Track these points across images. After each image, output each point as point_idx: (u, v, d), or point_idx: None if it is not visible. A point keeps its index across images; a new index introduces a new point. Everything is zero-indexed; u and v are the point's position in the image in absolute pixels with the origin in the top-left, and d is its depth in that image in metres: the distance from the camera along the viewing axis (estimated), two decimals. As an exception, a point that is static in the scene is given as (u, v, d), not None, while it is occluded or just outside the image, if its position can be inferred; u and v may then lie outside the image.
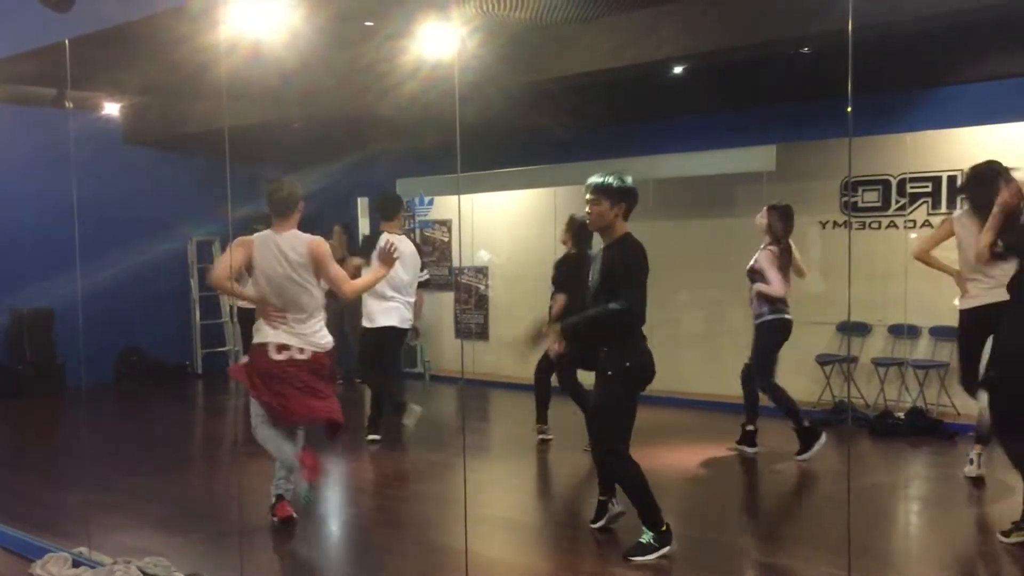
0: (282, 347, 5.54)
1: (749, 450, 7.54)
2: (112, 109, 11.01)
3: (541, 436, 8.05)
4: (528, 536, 5.82)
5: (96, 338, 9.75)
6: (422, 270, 8.23)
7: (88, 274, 9.15)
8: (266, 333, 5.57)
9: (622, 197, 5.20)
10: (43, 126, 10.18)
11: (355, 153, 12.17)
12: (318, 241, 5.64)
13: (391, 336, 7.99)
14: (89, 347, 7.85)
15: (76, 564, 4.94)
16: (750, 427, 7.60)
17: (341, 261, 10.48)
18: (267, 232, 5.66)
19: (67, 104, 8.61)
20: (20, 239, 11.00)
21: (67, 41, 5.75)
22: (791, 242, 7.42)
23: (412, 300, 8.06)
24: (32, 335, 11.17)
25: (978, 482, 6.36)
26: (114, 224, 11.28)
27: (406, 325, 8.03)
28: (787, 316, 7.35)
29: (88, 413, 9.15)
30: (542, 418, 8.07)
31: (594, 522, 5.56)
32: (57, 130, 8.30)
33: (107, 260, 10.62)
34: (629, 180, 5.28)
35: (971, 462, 6.45)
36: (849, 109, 3.60)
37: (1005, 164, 6.80)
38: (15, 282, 10.93)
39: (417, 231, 12.59)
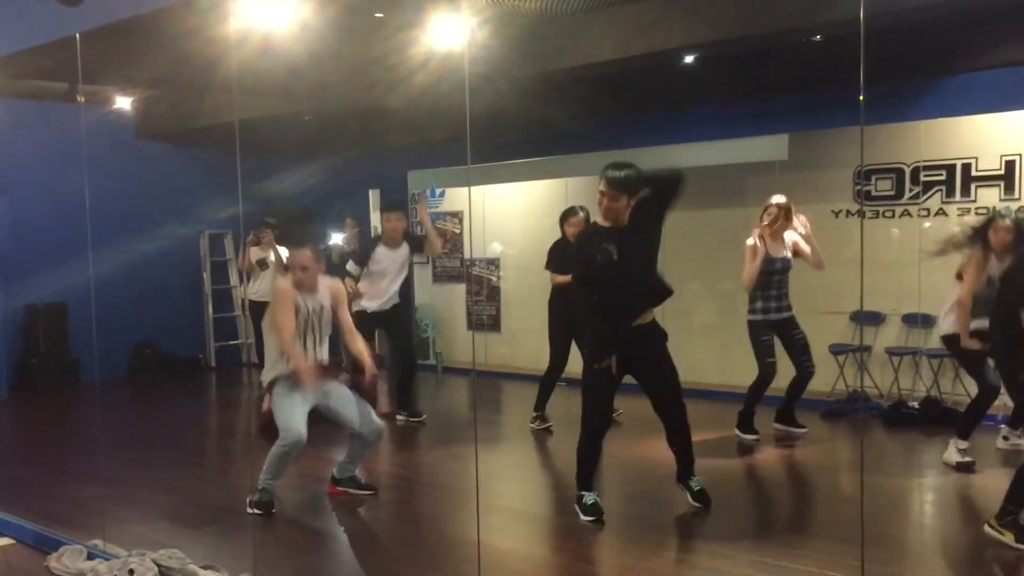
0: None
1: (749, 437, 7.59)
2: (123, 103, 11.05)
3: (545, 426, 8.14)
4: (540, 527, 5.82)
5: (110, 332, 9.77)
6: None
7: (101, 268, 9.17)
8: None
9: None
10: (55, 121, 10.22)
11: (366, 146, 12.17)
12: None
13: None
14: (103, 341, 7.86)
15: (91, 556, 4.96)
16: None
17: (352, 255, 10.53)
18: None
19: (79, 98, 8.63)
20: (33, 234, 11.04)
21: (78, 35, 5.76)
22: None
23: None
24: (46, 329, 11.22)
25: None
26: (126, 218, 11.33)
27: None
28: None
29: (102, 407, 9.18)
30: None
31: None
32: (69, 124, 8.32)
33: (120, 254, 10.67)
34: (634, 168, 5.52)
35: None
36: (861, 97, 3.57)
37: (1018, 152, 6.81)
38: (29, 277, 10.97)
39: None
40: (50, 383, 11.06)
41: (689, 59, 8.14)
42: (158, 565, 4.63)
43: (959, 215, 8.44)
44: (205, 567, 4.70)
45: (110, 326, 9.42)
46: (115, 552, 4.93)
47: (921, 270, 8.37)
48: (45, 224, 10.92)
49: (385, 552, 5.43)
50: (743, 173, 9.43)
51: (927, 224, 8.71)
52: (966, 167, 8.51)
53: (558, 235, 8.13)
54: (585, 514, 5.56)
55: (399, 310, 8.56)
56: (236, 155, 5.55)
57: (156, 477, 7.03)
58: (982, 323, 6.04)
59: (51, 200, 10.69)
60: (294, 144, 12.12)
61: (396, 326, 8.67)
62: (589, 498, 5.60)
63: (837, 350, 8.93)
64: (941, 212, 8.65)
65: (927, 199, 8.73)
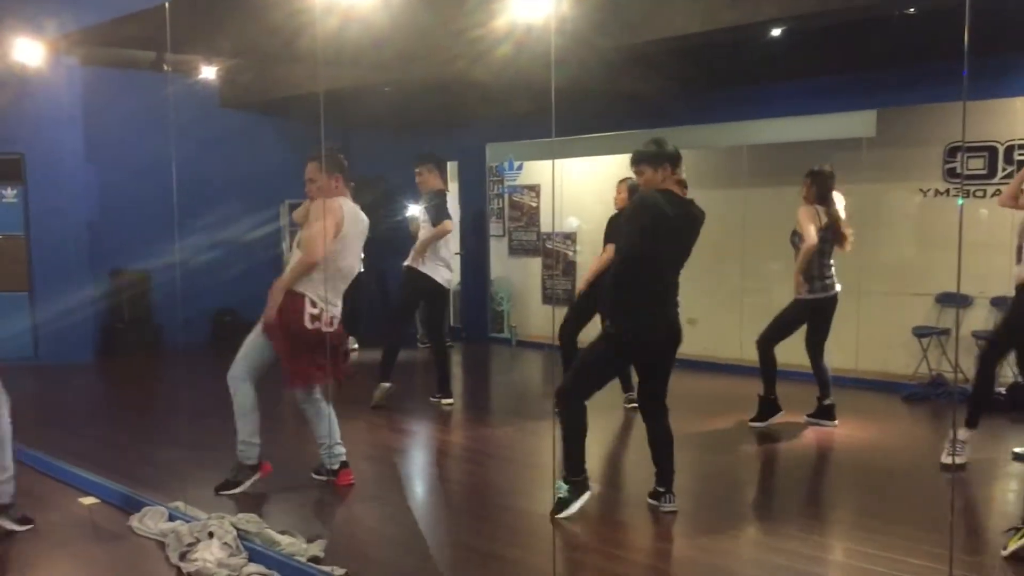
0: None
1: (828, 424, 7.44)
2: (209, 72, 11.17)
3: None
4: (614, 504, 5.79)
5: (191, 298, 9.97)
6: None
7: (185, 235, 9.33)
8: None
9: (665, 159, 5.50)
10: (142, 89, 10.38)
11: (447, 118, 12.17)
12: None
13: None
14: (186, 307, 8.02)
15: (172, 518, 5.07)
16: (827, 401, 7.47)
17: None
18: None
19: (165, 67, 8.75)
20: (120, 201, 11.27)
21: (167, 4, 5.83)
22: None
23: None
24: (131, 295, 11.47)
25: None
26: (210, 186, 11.50)
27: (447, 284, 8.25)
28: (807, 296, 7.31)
29: (185, 372, 9.35)
30: (628, 387, 8.01)
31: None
32: (155, 93, 8.43)
33: (204, 222, 10.84)
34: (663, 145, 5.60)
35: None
36: (965, 72, 3.43)
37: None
38: (115, 243, 11.21)
39: (505, 196, 12.59)
40: (134, 348, 11.32)
41: (776, 32, 7.96)
42: (237, 528, 4.71)
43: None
44: (282, 532, 4.77)
45: (192, 293, 9.61)
46: (195, 515, 5.03)
47: (1012, 252, 8.10)
48: (131, 192, 11.13)
49: (457, 523, 5.45)
50: (829, 150, 9.21)
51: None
52: (1063, 146, 8.23)
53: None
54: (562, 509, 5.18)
55: (437, 283, 8.11)
56: (318, 125, 5.58)
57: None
58: None
59: (137, 168, 10.90)
60: (374, 115, 12.16)
61: (425, 298, 8.34)
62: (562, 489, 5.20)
63: (921, 333, 8.72)
64: (1035, 193, 8.36)
65: (1021, 179, 8.45)
